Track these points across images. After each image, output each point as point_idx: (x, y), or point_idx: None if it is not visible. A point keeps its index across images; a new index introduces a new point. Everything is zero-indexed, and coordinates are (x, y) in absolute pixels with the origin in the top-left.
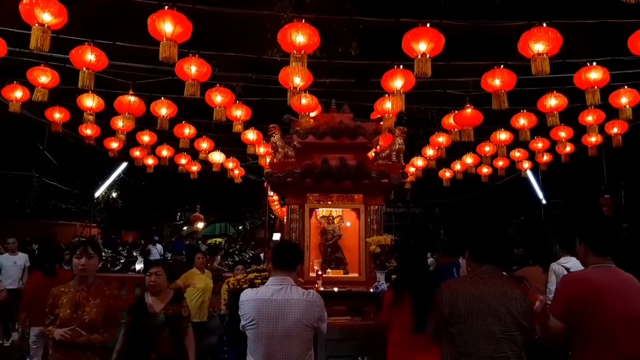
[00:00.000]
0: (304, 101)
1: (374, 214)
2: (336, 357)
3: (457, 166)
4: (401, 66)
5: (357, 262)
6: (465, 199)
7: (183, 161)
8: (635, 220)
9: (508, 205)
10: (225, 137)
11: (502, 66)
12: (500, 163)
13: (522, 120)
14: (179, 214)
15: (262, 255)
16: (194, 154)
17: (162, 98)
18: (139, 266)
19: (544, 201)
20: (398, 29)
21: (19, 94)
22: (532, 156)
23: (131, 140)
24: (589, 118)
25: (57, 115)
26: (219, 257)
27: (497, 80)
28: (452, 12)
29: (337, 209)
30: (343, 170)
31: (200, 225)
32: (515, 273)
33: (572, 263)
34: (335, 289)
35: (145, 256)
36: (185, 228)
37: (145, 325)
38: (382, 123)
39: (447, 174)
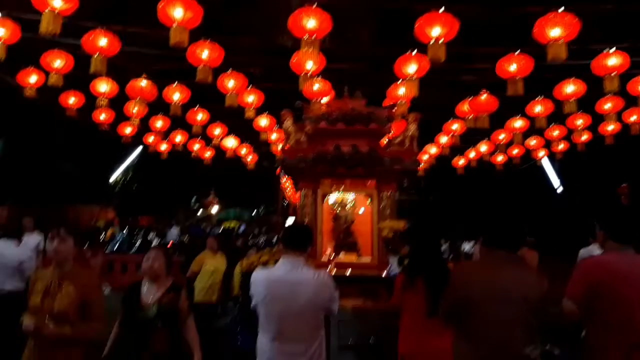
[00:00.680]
0: (316, 86)
1: (386, 200)
2: (347, 337)
3: (472, 154)
4: (415, 52)
5: (369, 247)
6: (480, 187)
7: (196, 147)
8: None
9: (523, 193)
10: (239, 123)
11: (518, 52)
12: (515, 151)
13: (539, 108)
14: (194, 198)
15: (275, 239)
16: (207, 140)
17: (175, 83)
18: None
19: (559, 189)
20: (413, 14)
21: (33, 79)
22: (548, 144)
23: (145, 127)
24: (607, 106)
25: (72, 100)
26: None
27: (513, 66)
28: None
29: (349, 195)
30: (356, 156)
31: (214, 209)
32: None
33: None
34: (347, 273)
35: (162, 239)
36: (199, 213)
37: (136, 317)
38: (395, 109)
39: (461, 162)
